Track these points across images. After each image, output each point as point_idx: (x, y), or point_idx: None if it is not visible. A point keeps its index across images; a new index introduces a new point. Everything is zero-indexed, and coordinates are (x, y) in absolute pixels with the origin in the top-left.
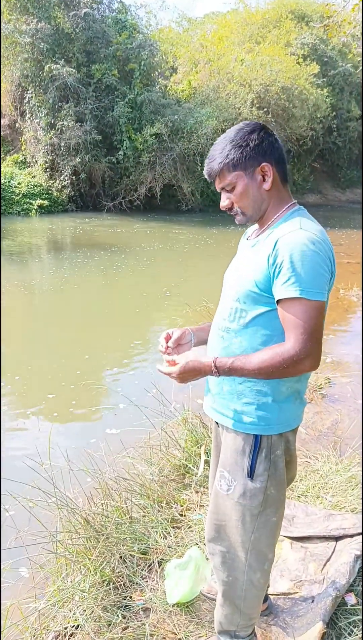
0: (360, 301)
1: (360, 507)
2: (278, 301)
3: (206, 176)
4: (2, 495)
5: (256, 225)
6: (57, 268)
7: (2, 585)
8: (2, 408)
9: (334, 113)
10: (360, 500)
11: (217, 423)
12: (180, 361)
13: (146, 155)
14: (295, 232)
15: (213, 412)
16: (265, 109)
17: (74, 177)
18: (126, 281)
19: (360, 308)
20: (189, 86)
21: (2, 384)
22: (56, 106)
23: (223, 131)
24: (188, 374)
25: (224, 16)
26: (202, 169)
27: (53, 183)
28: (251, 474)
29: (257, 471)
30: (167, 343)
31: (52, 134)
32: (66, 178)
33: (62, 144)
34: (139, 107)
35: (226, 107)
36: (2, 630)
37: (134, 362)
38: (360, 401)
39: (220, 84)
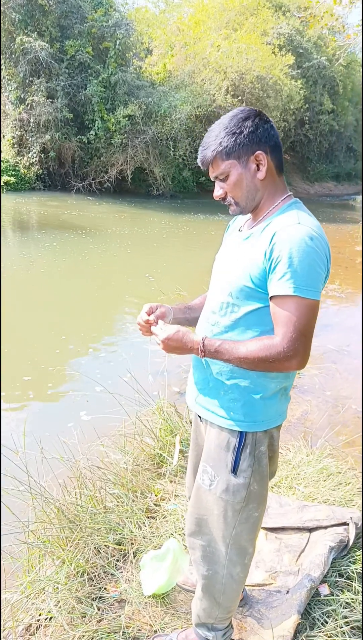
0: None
1: (332, 499)
2: (271, 297)
3: (199, 164)
4: None
5: (248, 216)
6: (23, 250)
7: None
8: None
9: (307, 105)
10: (335, 492)
11: (200, 417)
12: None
13: (118, 137)
14: (293, 226)
15: (197, 406)
16: (240, 98)
17: (42, 155)
18: (96, 266)
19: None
20: (164, 69)
21: None
22: (27, 80)
23: (197, 117)
24: (175, 342)
25: (201, 0)
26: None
27: (21, 160)
28: (234, 470)
29: (241, 467)
30: (149, 316)
31: (21, 108)
32: (35, 155)
33: (32, 120)
34: (112, 87)
35: (201, 92)
36: None
37: (105, 348)
38: None
39: (195, 69)
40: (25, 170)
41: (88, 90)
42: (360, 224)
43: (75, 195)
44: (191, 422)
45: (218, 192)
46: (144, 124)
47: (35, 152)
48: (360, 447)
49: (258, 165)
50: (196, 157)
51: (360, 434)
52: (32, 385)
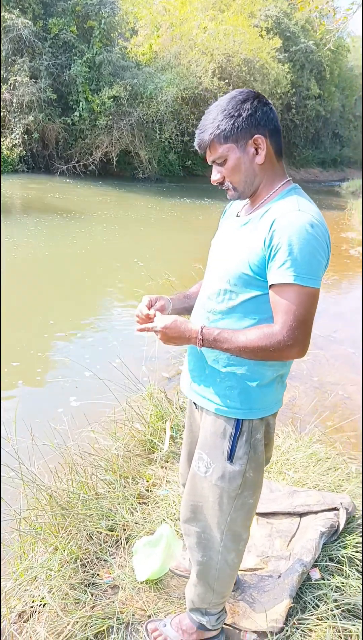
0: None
1: (322, 485)
2: (271, 285)
3: (196, 147)
4: None
5: (245, 201)
6: (7, 234)
7: None
8: None
9: (293, 90)
10: (324, 477)
11: (195, 404)
12: (167, 318)
13: (103, 119)
14: (294, 213)
15: (193, 394)
16: (227, 80)
17: (26, 136)
18: (83, 250)
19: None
20: (150, 50)
21: None
22: (9, 60)
23: (183, 99)
24: (173, 332)
25: None
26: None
27: (3, 141)
28: (230, 457)
29: (237, 454)
30: (149, 310)
31: (4, 88)
32: (17, 137)
33: (15, 101)
34: (97, 67)
35: (187, 75)
36: None
37: (93, 333)
38: None
39: (182, 51)
40: (8, 152)
41: (72, 70)
42: (360, 212)
43: (59, 178)
44: (181, 409)
45: (215, 176)
46: (129, 106)
47: (18, 134)
48: (349, 433)
49: (256, 150)
50: (183, 141)
51: (349, 420)
52: (21, 371)
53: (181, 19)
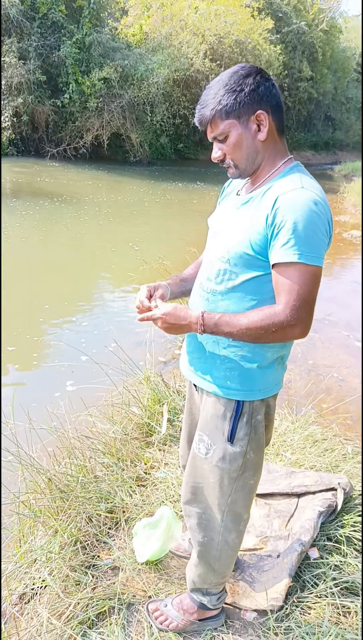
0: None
1: (319, 465)
2: (274, 264)
3: (197, 124)
4: None
5: (245, 180)
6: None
7: None
8: None
9: (286, 72)
10: (321, 459)
11: (195, 385)
12: (167, 306)
13: (93, 101)
14: (297, 190)
15: (193, 375)
16: (218, 62)
17: (15, 119)
18: (74, 235)
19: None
20: (140, 31)
21: None
22: None
23: (175, 81)
24: (173, 319)
25: None
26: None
27: None
28: (231, 439)
29: (238, 435)
30: (150, 302)
31: None
32: (7, 119)
33: (3, 83)
34: (87, 48)
35: (179, 56)
36: None
37: (88, 318)
38: None
39: (173, 32)
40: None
41: (62, 51)
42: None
43: (49, 161)
44: (178, 392)
45: (216, 153)
46: (120, 88)
47: (7, 116)
48: (345, 414)
49: (259, 126)
50: (174, 123)
51: (344, 402)
52: (17, 356)
53: None
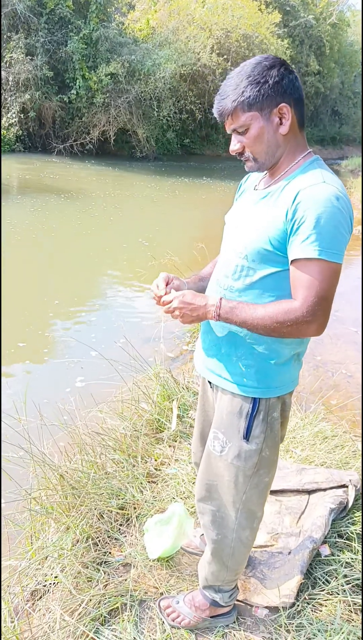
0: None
1: (329, 462)
2: (293, 260)
3: (216, 115)
4: None
5: (262, 174)
6: (4, 214)
7: None
8: None
9: (293, 66)
10: (331, 455)
11: (210, 383)
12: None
13: (100, 96)
14: (318, 185)
15: (208, 372)
16: (225, 56)
17: (22, 115)
18: (82, 231)
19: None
20: (147, 25)
21: None
22: (5, 36)
23: (181, 76)
24: (189, 298)
25: None
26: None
27: None
28: (247, 436)
29: (253, 433)
30: (166, 287)
31: None
32: (14, 115)
33: (11, 79)
34: (94, 43)
35: (186, 51)
36: None
37: (97, 314)
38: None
39: (180, 26)
40: (5, 132)
41: (69, 47)
42: (360, 190)
43: (56, 157)
44: (187, 388)
45: (234, 146)
46: (127, 83)
47: (14, 112)
48: (354, 411)
49: (281, 119)
50: (181, 119)
51: (353, 398)
52: (27, 352)
53: None
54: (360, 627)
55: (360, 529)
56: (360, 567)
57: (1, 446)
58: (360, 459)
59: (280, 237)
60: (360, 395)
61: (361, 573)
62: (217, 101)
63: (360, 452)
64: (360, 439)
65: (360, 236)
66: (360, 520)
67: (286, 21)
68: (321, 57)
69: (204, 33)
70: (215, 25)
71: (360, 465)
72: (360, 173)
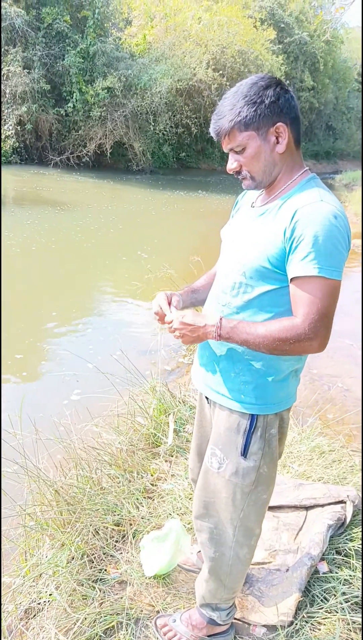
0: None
1: (327, 477)
2: (292, 278)
3: (213, 134)
4: None
5: (259, 192)
6: (7, 227)
7: None
8: None
9: (287, 82)
10: (329, 470)
11: (207, 398)
12: (184, 311)
13: (97, 110)
14: (316, 204)
15: (206, 388)
16: (221, 72)
17: (19, 127)
18: (78, 243)
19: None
20: (144, 41)
21: None
22: (2, 50)
23: (178, 91)
24: (191, 324)
25: None
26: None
27: None
28: (244, 453)
29: (251, 450)
30: (169, 307)
31: None
32: (11, 128)
33: (8, 91)
34: (91, 57)
35: (182, 66)
36: None
37: (93, 327)
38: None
39: (176, 42)
40: (1, 144)
41: (66, 60)
42: (361, 204)
43: (53, 170)
44: (184, 402)
45: (232, 165)
46: (123, 97)
47: (11, 125)
48: (351, 425)
49: (277, 138)
50: (177, 132)
51: (349, 412)
52: (23, 364)
53: (175, 9)
54: None
55: (358, 546)
56: (359, 584)
57: (1, 463)
58: (358, 474)
59: (279, 255)
60: (358, 409)
61: (361, 591)
62: (214, 121)
63: (358, 467)
64: (358, 454)
65: (360, 251)
66: (359, 536)
67: (281, 38)
68: (315, 73)
69: (200, 49)
70: (211, 41)
71: (358, 480)
72: (355, 188)
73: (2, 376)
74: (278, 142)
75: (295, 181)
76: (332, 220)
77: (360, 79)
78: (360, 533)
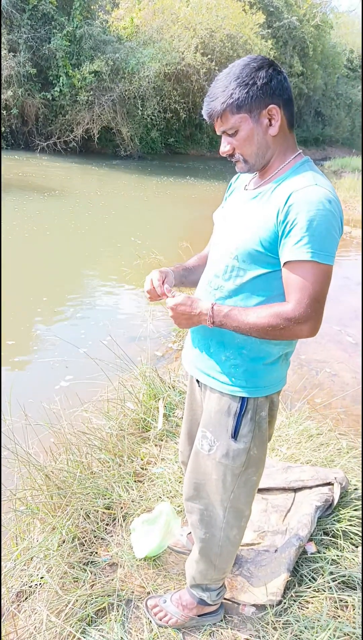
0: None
1: (314, 460)
2: (285, 262)
3: (205, 117)
4: None
5: (252, 175)
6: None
7: None
8: None
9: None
10: (316, 453)
11: (198, 381)
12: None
13: (83, 94)
14: (311, 187)
15: (196, 371)
16: (209, 56)
17: (4, 112)
18: (67, 230)
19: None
20: (131, 24)
21: None
22: None
23: (166, 75)
24: (184, 309)
25: None
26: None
27: None
28: (235, 435)
29: (241, 432)
30: (163, 286)
31: None
32: None
33: None
34: (78, 41)
35: (170, 50)
36: None
37: (82, 313)
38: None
39: (164, 25)
40: None
41: (52, 44)
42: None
43: (39, 155)
44: (173, 387)
45: (224, 147)
46: (111, 81)
47: None
48: (338, 409)
49: (270, 120)
50: (165, 118)
51: (336, 397)
52: (13, 350)
53: None
54: (346, 624)
55: (346, 527)
56: (346, 564)
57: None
58: (345, 457)
59: (271, 238)
60: (345, 393)
61: (361, 567)
62: (206, 103)
63: (345, 450)
64: (345, 437)
65: (353, 240)
66: (346, 518)
67: (270, 22)
68: (304, 58)
69: (188, 32)
70: (199, 24)
71: (345, 463)
72: (343, 174)
73: None
74: (270, 125)
75: (288, 164)
76: (326, 204)
77: (350, 65)
78: (348, 514)
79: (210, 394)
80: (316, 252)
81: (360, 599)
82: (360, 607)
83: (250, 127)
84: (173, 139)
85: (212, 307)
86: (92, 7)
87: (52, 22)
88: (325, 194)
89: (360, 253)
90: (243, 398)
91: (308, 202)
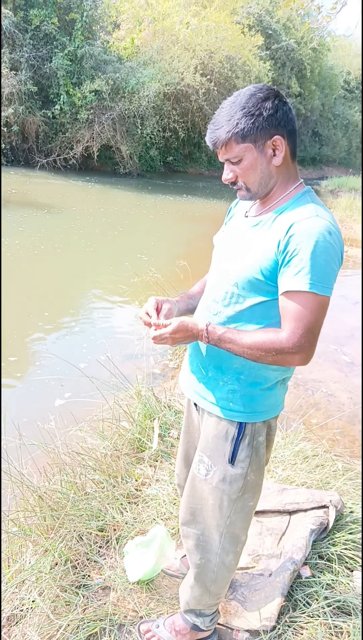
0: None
1: (310, 482)
2: (284, 292)
3: (208, 144)
4: None
5: (252, 202)
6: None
7: None
8: None
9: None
10: (312, 475)
11: (196, 405)
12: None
13: (84, 112)
14: (312, 219)
15: (194, 395)
16: (208, 77)
17: (5, 129)
18: (67, 246)
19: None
20: (132, 44)
21: None
22: None
23: (165, 95)
24: (181, 333)
25: None
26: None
27: None
28: (232, 460)
29: (239, 457)
30: (158, 320)
31: None
32: None
33: None
34: (79, 60)
35: (169, 70)
36: None
37: (79, 331)
38: None
39: (164, 46)
40: None
41: (53, 63)
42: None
43: (39, 172)
44: (169, 407)
45: (227, 175)
46: (111, 100)
47: None
48: (334, 430)
49: (274, 151)
50: (164, 136)
51: (333, 417)
52: (10, 368)
53: (163, 13)
54: None
55: (341, 550)
56: (341, 588)
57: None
58: (340, 479)
59: (271, 267)
60: (341, 414)
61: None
62: (211, 130)
63: (340, 472)
64: (341, 459)
65: (360, 261)
66: (341, 541)
67: (269, 44)
68: (302, 79)
69: (188, 53)
70: (199, 46)
71: (341, 485)
72: (340, 194)
73: None
74: (274, 155)
75: (289, 194)
76: (327, 236)
77: (347, 86)
78: (343, 538)
79: (208, 418)
80: (315, 283)
81: (356, 625)
82: (358, 633)
83: (254, 157)
84: (172, 157)
85: (207, 329)
86: (93, 27)
87: (54, 42)
88: (326, 226)
89: (359, 272)
90: (240, 423)
91: (309, 233)
